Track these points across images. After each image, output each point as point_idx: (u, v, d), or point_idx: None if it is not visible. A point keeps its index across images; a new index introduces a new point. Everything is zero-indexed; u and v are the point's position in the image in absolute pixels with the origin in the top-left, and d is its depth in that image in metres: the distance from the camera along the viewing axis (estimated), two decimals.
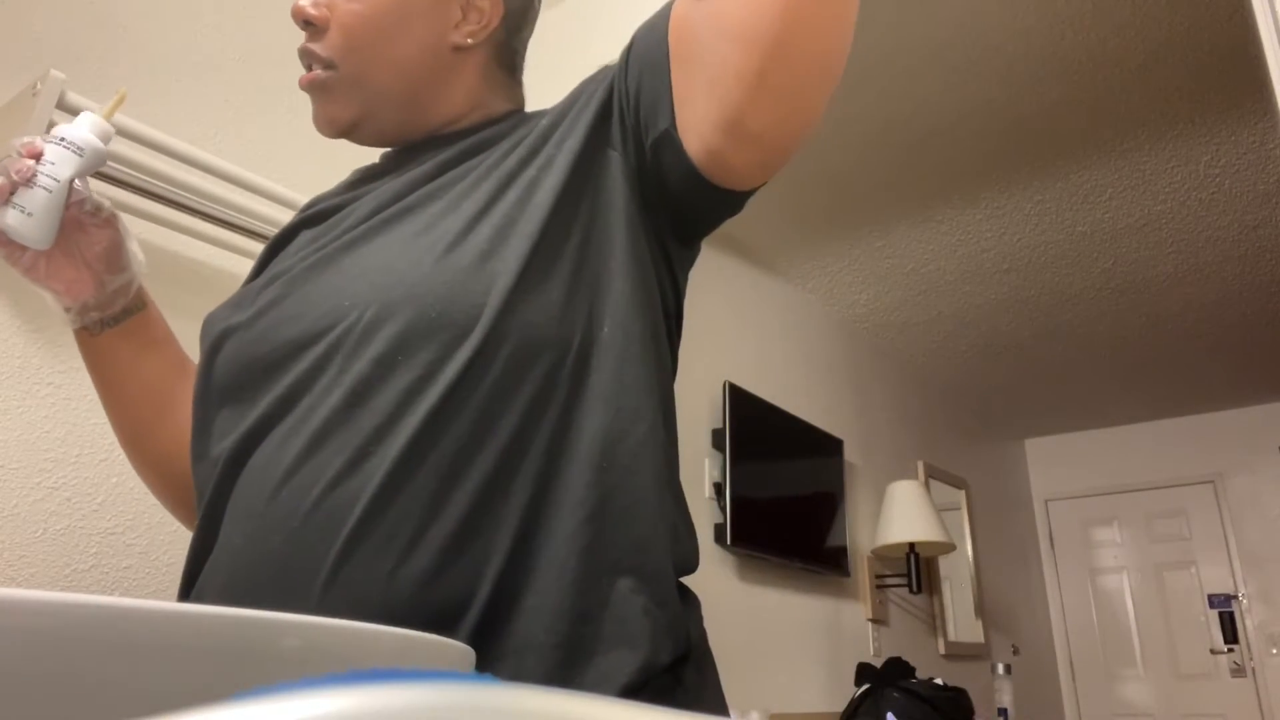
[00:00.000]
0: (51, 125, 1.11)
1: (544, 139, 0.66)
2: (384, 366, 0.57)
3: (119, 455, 1.22)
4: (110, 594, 1.12)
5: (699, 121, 0.61)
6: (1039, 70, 2.40)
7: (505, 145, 0.68)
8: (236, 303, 0.69)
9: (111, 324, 0.75)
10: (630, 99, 0.65)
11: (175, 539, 1.26)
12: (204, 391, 0.67)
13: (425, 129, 0.74)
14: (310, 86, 0.71)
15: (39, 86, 1.10)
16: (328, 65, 0.70)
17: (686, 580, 0.65)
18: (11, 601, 0.20)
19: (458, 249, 0.59)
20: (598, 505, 0.57)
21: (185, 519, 0.80)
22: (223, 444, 0.62)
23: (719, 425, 2.74)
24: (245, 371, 0.63)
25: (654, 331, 0.66)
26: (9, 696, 0.20)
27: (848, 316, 3.84)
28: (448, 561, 0.54)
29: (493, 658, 0.53)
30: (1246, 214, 3.10)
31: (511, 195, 0.62)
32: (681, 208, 0.66)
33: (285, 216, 1.38)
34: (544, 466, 0.57)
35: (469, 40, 0.71)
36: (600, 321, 0.62)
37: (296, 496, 0.55)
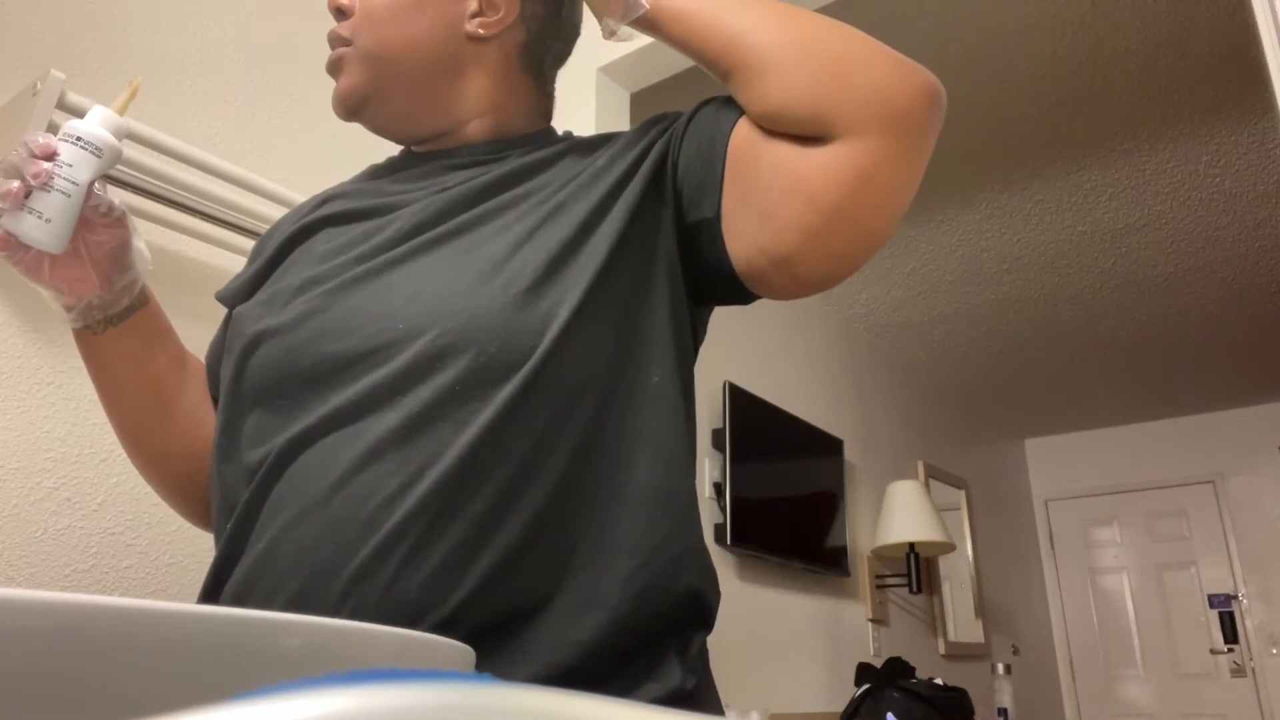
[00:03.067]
0: (52, 125, 1.11)
1: (598, 176, 0.67)
2: (443, 394, 0.58)
3: (119, 455, 1.22)
4: (110, 594, 1.12)
5: (747, 241, 0.64)
6: (1039, 70, 2.40)
7: (555, 175, 0.69)
8: (267, 301, 0.68)
9: (115, 322, 0.73)
10: (680, 171, 0.68)
11: (175, 539, 1.27)
12: (235, 391, 0.66)
13: (438, 122, 0.74)
14: (331, 63, 0.74)
15: (39, 86, 1.10)
16: (347, 42, 0.73)
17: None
18: (11, 601, 0.20)
19: (514, 283, 0.60)
20: (653, 552, 0.59)
21: (189, 514, 0.80)
22: (260, 450, 0.62)
23: (719, 425, 2.74)
24: (284, 379, 0.63)
25: (689, 383, 0.69)
26: (9, 696, 0.20)
27: (848, 316, 3.84)
28: (496, 588, 0.55)
29: (524, 679, 0.55)
30: (1246, 214, 3.10)
31: (565, 232, 0.63)
32: (704, 282, 0.69)
33: (268, 209, 1.38)
34: (595, 506, 0.59)
35: (482, 31, 0.73)
36: (649, 370, 0.64)
37: (352, 508, 0.56)
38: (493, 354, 0.58)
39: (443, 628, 0.54)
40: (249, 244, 1.36)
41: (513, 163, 0.70)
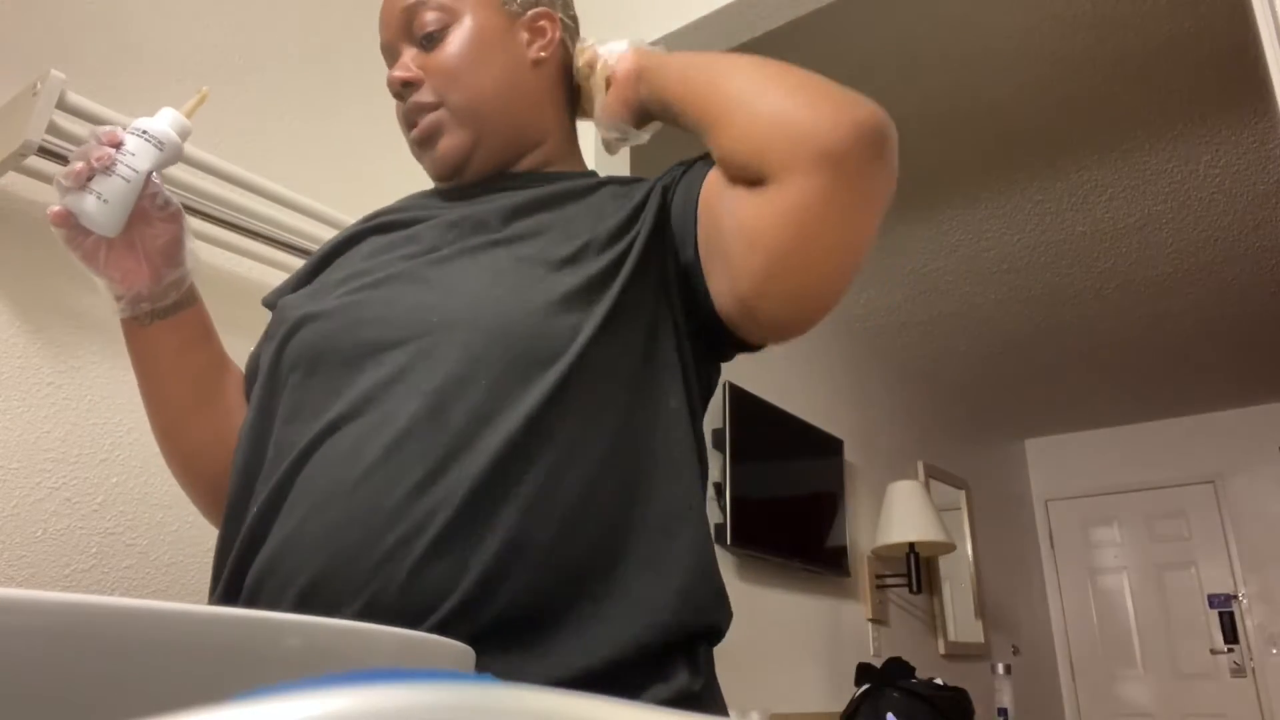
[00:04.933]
0: (52, 125, 1.11)
1: (635, 217, 0.72)
2: (462, 384, 0.60)
3: (119, 455, 1.22)
4: (110, 594, 1.12)
5: (719, 284, 0.68)
6: (1039, 70, 2.40)
7: (591, 207, 0.73)
8: (312, 293, 0.72)
9: (161, 316, 0.76)
10: (672, 215, 0.73)
11: (175, 539, 1.27)
12: (272, 373, 0.70)
13: (523, 150, 0.79)
14: (425, 132, 0.76)
15: (39, 86, 1.10)
16: (436, 106, 0.76)
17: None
18: (11, 601, 0.20)
19: (550, 294, 0.64)
20: (665, 566, 0.62)
21: (216, 516, 0.81)
22: (291, 431, 0.65)
23: (719, 425, 2.74)
24: (320, 361, 0.66)
25: (698, 414, 0.72)
26: (9, 696, 0.20)
27: (848, 316, 3.84)
28: (519, 583, 0.57)
29: (539, 679, 0.57)
30: (1246, 214, 3.10)
31: (602, 260, 0.67)
32: (707, 327, 0.72)
33: (286, 216, 1.38)
34: (610, 518, 0.61)
35: (543, 54, 0.79)
36: (666, 396, 0.67)
37: (379, 495, 0.58)
38: (519, 353, 0.61)
39: (453, 617, 0.55)
40: (249, 244, 1.36)
41: (553, 186, 0.75)
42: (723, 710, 0.67)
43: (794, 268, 0.63)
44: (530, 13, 0.79)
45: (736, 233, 0.65)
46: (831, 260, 0.63)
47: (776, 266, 0.62)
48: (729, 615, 0.67)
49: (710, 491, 2.67)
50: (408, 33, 0.77)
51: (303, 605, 0.58)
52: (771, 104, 0.64)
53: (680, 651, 0.62)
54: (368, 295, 0.68)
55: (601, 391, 0.62)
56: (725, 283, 0.67)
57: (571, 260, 0.67)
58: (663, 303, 0.70)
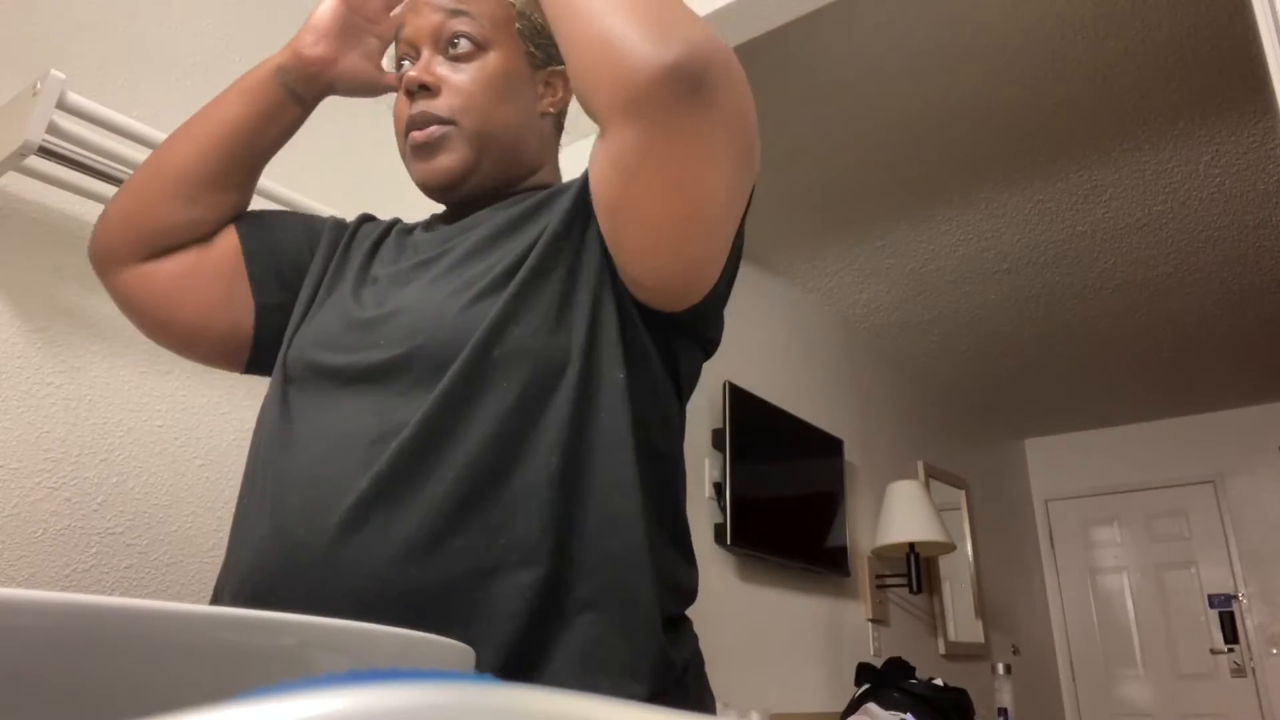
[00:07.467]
0: (52, 125, 1.11)
1: (552, 204, 0.76)
2: (399, 379, 0.68)
3: (119, 455, 1.22)
4: (110, 594, 1.12)
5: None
6: (1039, 70, 2.40)
7: (524, 212, 0.78)
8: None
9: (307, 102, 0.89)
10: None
11: (175, 539, 1.26)
12: (278, 381, 0.79)
13: (511, 182, 0.83)
14: (429, 140, 0.79)
15: (39, 86, 1.10)
16: (447, 121, 0.79)
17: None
18: (11, 601, 0.20)
19: (463, 295, 0.70)
20: (609, 524, 0.65)
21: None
22: (286, 433, 0.72)
23: (719, 425, 2.74)
24: (306, 374, 0.76)
25: (653, 380, 0.73)
26: (9, 696, 0.20)
27: (848, 316, 3.84)
28: (466, 561, 0.61)
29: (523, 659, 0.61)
30: (1246, 214, 3.10)
31: (513, 254, 0.72)
32: (650, 311, 0.73)
33: None
34: (559, 495, 0.64)
35: (551, 109, 0.85)
36: (600, 364, 0.69)
37: (329, 481, 0.65)
38: (440, 345, 0.67)
39: (412, 606, 0.60)
40: None
41: (517, 208, 0.79)
42: (706, 688, 0.71)
43: (632, 222, 0.63)
44: (547, 69, 0.84)
45: (591, 188, 0.68)
46: (668, 207, 0.61)
47: (618, 220, 0.64)
48: (695, 589, 0.70)
49: (710, 491, 2.67)
50: (436, 39, 0.81)
51: (266, 582, 0.64)
52: (595, 40, 0.61)
53: (642, 618, 0.64)
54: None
55: (514, 369, 0.66)
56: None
57: (490, 265, 0.72)
58: (598, 276, 0.72)
